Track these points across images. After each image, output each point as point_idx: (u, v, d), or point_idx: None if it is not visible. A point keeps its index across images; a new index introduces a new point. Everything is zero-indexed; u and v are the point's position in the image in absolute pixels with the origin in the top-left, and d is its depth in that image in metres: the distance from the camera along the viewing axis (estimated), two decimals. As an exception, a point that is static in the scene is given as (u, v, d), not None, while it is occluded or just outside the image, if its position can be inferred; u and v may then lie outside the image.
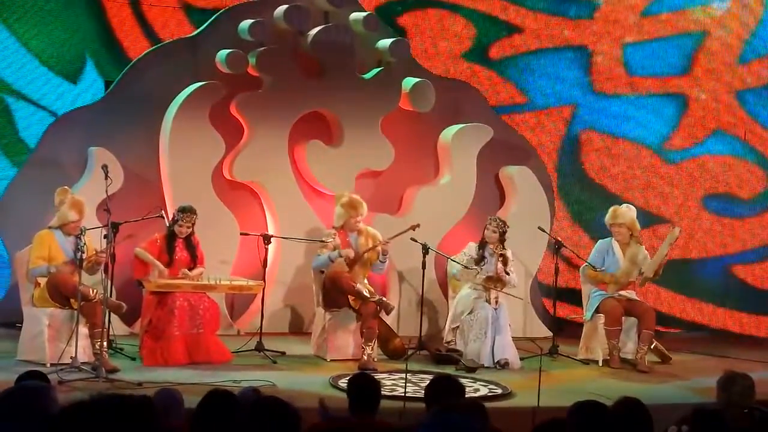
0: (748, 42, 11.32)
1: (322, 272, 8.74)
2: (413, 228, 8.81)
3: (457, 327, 8.70)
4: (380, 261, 8.79)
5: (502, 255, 8.82)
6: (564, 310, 10.47)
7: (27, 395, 3.68)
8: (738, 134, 11.31)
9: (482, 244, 8.92)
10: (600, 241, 9.32)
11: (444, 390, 4.76)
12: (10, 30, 9.71)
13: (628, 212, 9.08)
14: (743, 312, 11.31)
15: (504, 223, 8.97)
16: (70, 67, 9.90)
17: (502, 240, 8.89)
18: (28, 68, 9.77)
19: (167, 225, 8.38)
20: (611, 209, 9.18)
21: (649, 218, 10.98)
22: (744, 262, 11.34)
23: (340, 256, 8.63)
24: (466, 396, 5.31)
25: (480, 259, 8.83)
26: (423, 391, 5.05)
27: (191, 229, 8.38)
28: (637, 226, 9.11)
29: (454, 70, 10.82)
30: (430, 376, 6.38)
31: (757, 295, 11.36)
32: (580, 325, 9.19)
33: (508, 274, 8.80)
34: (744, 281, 11.34)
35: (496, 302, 8.66)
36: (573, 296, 10.14)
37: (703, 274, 11.25)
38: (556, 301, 9.43)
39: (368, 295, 8.50)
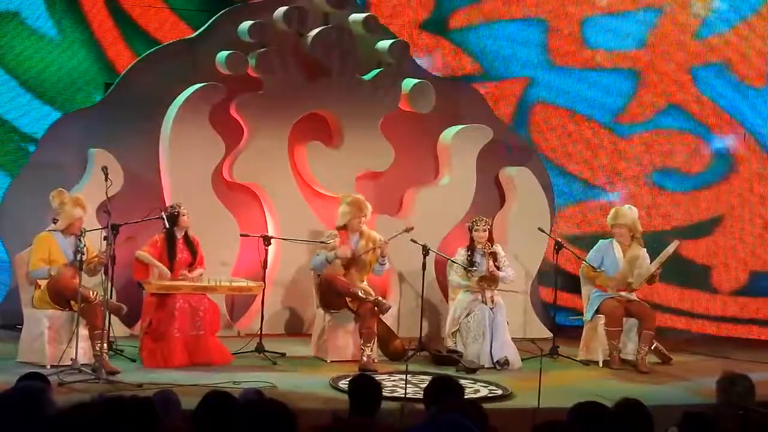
0: (705, 18, 11.29)
1: (319, 275, 8.74)
2: (407, 230, 8.84)
3: (456, 330, 8.69)
4: (379, 263, 8.78)
5: (492, 253, 8.82)
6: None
7: (23, 396, 3.68)
8: (690, 109, 11.29)
9: (471, 248, 8.91)
10: (600, 240, 9.30)
11: (443, 390, 4.76)
12: (11, 73, 9.76)
13: (629, 213, 9.06)
14: (685, 288, 11.23)
15: (488, 220, 9.01)
16: (69, 106, 9.90)
17: (490, 238, 8.91)
18: (25, 102, 9.80)
19: (166, 227, 8.32)
20: (613, 210, 9.16)
21: (596, 193, 10.90)
22: (689, 236, 11.24)
23: (337, 257, 8.63)
24: (465, 396, 5.31)
25: (471, 264, 8.82)
26: (423, 392, 5.05)
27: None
28: (639, 227, 9.07)
29: (411, 39, 10.70)
30: (430, 377, 6.37)
31: (698, 270, 11.29)
32: (581, 326, 9.18)
33: (500, 270, 8.80)
34: (687, 257, 11.23)
35: (492, 301, 8.66)
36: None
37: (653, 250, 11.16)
38: (556, 300, 9.42)
39: (363, 296, 8.49)
